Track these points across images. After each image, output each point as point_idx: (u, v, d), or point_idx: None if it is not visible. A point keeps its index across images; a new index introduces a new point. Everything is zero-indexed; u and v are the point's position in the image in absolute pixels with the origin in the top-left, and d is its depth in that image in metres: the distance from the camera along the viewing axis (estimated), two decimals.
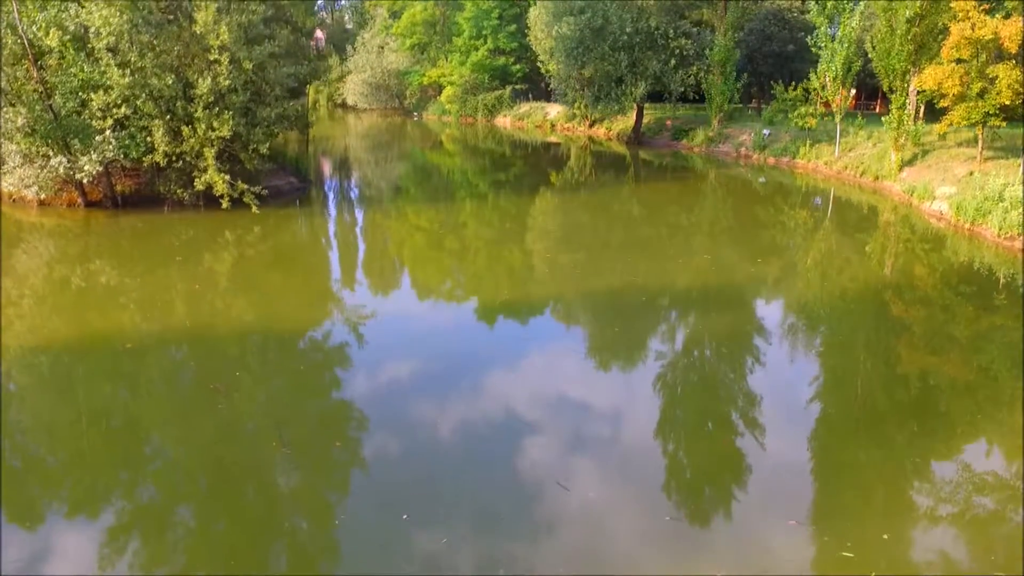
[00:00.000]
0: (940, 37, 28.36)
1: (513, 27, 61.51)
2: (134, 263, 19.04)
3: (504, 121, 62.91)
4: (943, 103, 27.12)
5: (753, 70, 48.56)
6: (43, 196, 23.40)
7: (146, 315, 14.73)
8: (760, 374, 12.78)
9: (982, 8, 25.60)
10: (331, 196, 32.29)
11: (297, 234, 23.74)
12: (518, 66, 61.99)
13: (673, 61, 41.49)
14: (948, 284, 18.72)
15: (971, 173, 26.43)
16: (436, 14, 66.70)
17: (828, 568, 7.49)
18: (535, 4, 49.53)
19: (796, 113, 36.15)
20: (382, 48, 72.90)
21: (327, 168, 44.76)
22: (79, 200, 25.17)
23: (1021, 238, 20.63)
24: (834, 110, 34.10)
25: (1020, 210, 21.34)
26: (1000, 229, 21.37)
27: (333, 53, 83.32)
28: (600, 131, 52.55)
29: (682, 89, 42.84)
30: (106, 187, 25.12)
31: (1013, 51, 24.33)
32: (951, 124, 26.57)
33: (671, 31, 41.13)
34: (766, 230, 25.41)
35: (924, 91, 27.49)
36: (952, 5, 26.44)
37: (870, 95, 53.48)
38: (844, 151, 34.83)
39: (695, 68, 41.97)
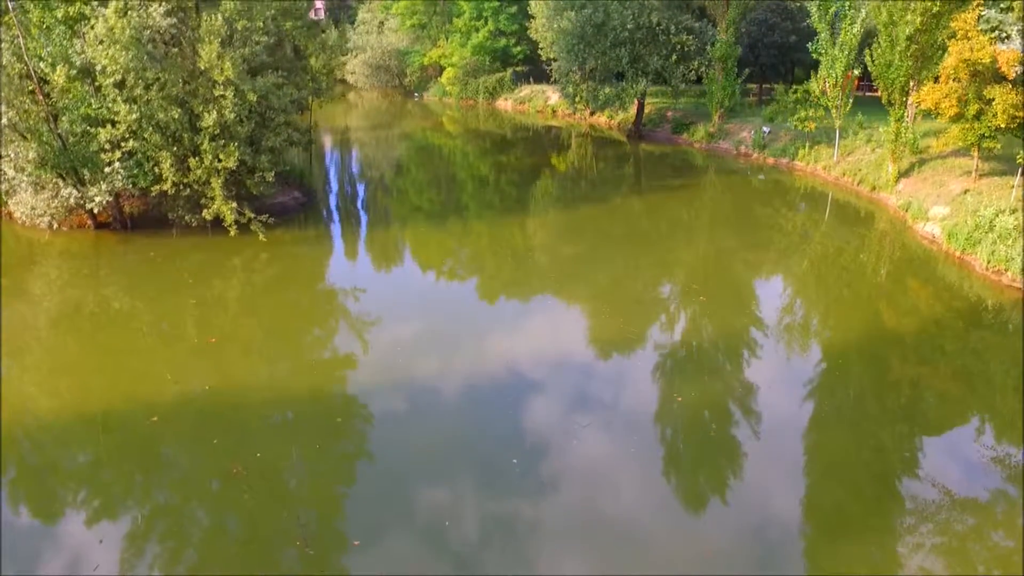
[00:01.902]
0: (940, 52, 28.45)
1: (514, 8, 60.77)
2: (147, 304, 19.71)
3: (505, 104, 62.68)
4: (941, 119, 27.39)
5: (755, 60, 48.31)
6: (55, 226, 23.89)
7: (166, 375, 15.50)
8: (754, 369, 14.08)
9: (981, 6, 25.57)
10: (336, 209, 32.61)
11: (305, 264, 24.21)
12: (519, 48, 61.46)
13: (674, 56, 41.33)
14: (932, 322, 19.42)
15: (965, 191, 26.84)
16: None
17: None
18: None
19: (796, 117, 36.26)
20: (382, 24, 72.10)
21: (331, 163, 45.02)
22: (89, 222, 25.74)
23: (1009, 273, 21.19)
24: (833, 115, 34.23)
25: (1010, 243, 21.89)
26: (988, 262, 21.95)
27: (333, 27, 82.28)
28: (601, 119, 52.50)
29: (683, 86, 42.80)
30: (115, 210, 25.62)
31: (1010, 76, 24.48)
32: (947, 145, 26.87)
33: (672, 27, 40.84)
34: (760, 242, 25.99)
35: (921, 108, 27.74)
36: (952, 25, 26.48)
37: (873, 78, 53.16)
38: (843, 155, 35.07)
39: (696, 63, 41.83)
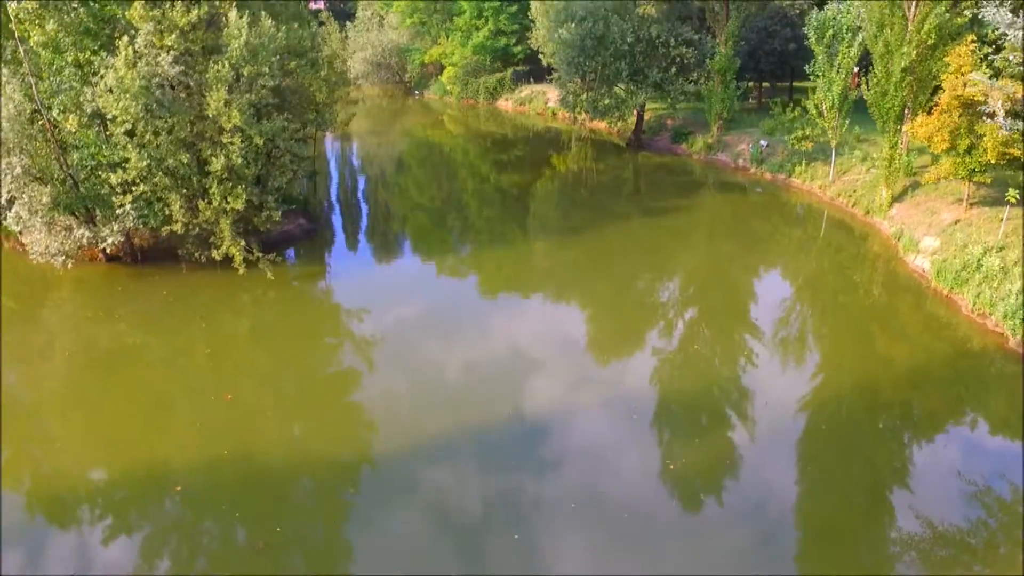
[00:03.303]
0: (934, 82, 28.91)
1: (514, 8, 60.68)
2: (161, 353, 20.49)
3: (506, 105, 62.87)
4: (933, 149, 27.95)
5: (755, 66, 48.51)
6: (69, 265, 24.51)
7: (185, 439, 16.33)
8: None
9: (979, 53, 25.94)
10: (342, 232, 33.11)
11: (313, 302, 24.92)
12: (519, 47, 61.46)
13: (674, 69, 41.62)
14: (914, 370, 20.19)
15: (956, 222, 27.46)
16: None
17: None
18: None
19: (793, 136, 36.72)
20: (382, 20, 71.98)
21: (334, 172, 45.49)
22: (100, 255, 26.43)
23: (993, 318, 21.88)
24: (830, 135, 34.67)
25: (995, 285, 22.57)
26: (974, 304, 22.64)
27: (333, 20, 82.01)
28: (602, 124, 52.68)
29: (683, 97, 43.14)
30: (125, 244, 26.29)
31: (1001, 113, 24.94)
32: (939, 177, 27.44)
33: (672, 39, 41.07)
34: (753, 271, 26.78)
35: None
36: (946, 59, 26.92)
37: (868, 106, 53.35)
38: (839, 174, 35.58)
39: (695, 75, 42.13)
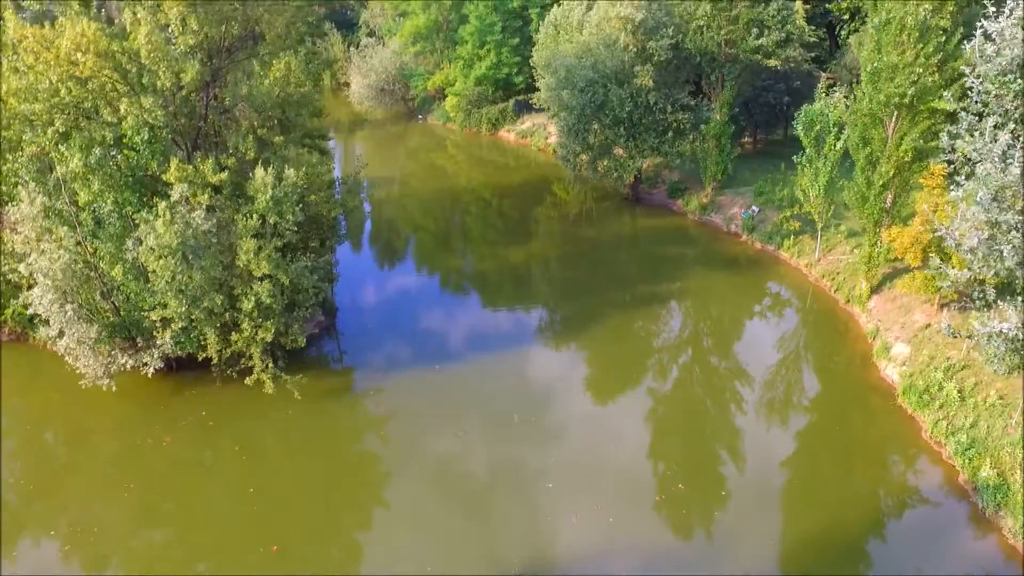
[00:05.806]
0: (912, 192, 30.91)
1: (516, 40, 61.75)
2: (208, 489, 23.12)
3: (508, 136, 64.34)
4: (907, 262, 30.13)
5: (750, 117, 50.11)
6: (114, 388, 27.00)
7: None
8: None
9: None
10: (361, 320, 34.88)
11: (342, 424, 27.23)
12: (520, 77, 62.68)
13: (670, 133, 43.35)
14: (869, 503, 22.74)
15: (927, 326, 29.75)
16: (439, 19, 66.43)
17: None
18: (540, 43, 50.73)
19: (782, 216, 38.68)
20: (384, 44, 72.94)
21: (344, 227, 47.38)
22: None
23: (947, 449, 24.32)
24: (816, 219, 36.67)
25: (952, 412, 24.99)
26: (931, 432, 25.08)
27: (334, 31, 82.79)
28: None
29: (679, 160, 44.90)
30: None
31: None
32: (911, 289, 29.65)
33: (668, 106, 42.67)
34: (722, 364, 29.29)
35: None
36: (919, 178, 28.93)
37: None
38: (825, 251, 37.70)
39: (691, 137, 43.85)
